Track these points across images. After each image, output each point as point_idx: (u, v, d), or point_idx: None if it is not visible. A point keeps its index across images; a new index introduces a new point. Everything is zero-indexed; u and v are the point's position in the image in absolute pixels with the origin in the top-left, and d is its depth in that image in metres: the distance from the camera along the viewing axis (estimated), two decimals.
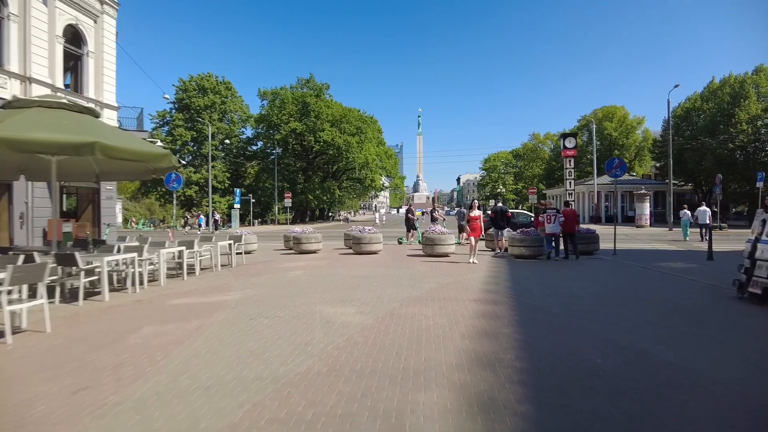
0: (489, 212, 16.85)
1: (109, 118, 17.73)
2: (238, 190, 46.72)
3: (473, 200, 13.39)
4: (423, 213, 46.84)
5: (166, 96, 31.24)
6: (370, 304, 6.52)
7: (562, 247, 13.49)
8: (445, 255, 13.52)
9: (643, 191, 35.28)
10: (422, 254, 14.05)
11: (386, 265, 11.60)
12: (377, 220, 49.78)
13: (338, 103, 57.49)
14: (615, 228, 14.90)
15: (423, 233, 15.03)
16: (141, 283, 8.48)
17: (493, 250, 14.63)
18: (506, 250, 14.30)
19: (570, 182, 39.77)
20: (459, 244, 16.39)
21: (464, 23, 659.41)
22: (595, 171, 44.80)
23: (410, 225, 19.12)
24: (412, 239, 19.17)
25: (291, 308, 6.38)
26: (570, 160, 39.69)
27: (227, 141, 52.16)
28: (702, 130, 38.87)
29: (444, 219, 20.74)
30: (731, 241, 20.87)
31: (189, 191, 52.13)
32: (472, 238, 12.01)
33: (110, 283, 8.64)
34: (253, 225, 52.22)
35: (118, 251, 9.14)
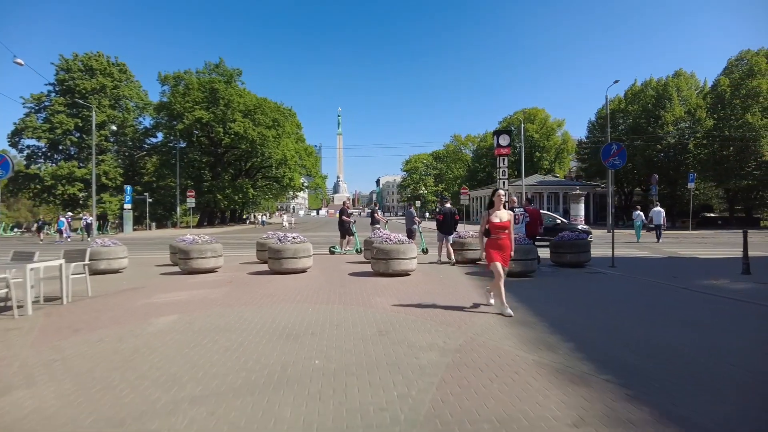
0: (436, 215, 13.73)
1: None
2: (129, 188, 39.08)
3: (496, 190, 6.09)
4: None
5: (19, 60, 23.73)
6: None
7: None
8: (406, 273, 9.50)
9: (578, 191, 34.15)
10: (370, 272, 9.91)
11: (325, 298, 7.24)
12: (284, 223, 44.77)
13: (252, 93, 51.35)
14: (613, 231, 11.85)
15: (372, 242, 10.94)
16: None
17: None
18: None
19: (503, 182, 38.09)
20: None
21: (385, 22, 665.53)
22: (523, 171, 43.81)
23: (345, 230, 14.85)
24: (348, 248, 14.93)
25: None
26: (503, 159, 37.86)
27: (114, 127, 43.92)
28: (628, 131, 39.10)
29: (386, 221, 16.75)
30: (693, 244, 19.33)
31: (72, 189, 43.31)
32: (498, 266, 5.87)
33: None
34: (150, 229, 44.64)
35: None
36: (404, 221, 15.54)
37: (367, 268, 10.49)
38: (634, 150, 37.32)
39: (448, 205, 12.94)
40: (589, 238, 16.06)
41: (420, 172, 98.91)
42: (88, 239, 27.33)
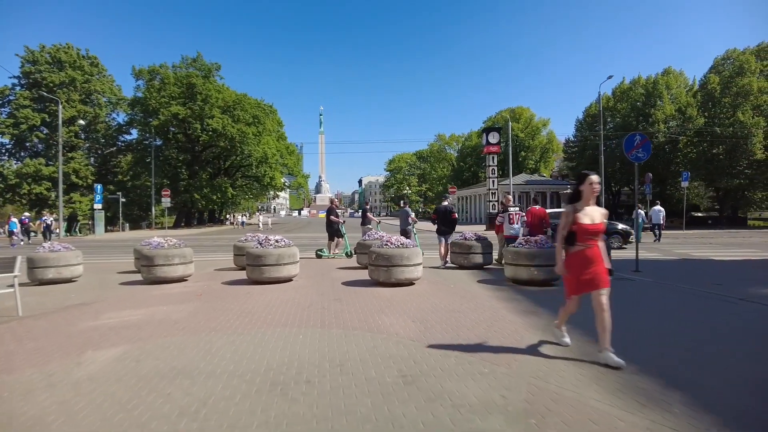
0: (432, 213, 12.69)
1: None
2: (99, 187, 36.78)
3: (587, 175, 3.86)
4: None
5: None
6: None
7: None
8: (410, 283, 8.12)
9: (569, 190, 33.38)
10: (367, 280, 8.52)
11: (318, 318, 5.79)
12: (260, 225, 43.05)
13: (231, 89, 49.23)
14: (636, 232, 10.70)
15: (367, 245, 9.53)
16: None
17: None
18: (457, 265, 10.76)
19: (493, 180, 37.06)
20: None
21: (372, 22, 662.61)
22: (510, 170, 42.97)
23: (334, 231, 13.40)
24: (337, 251, 13.48)
25: None
26: (493, 157, 36.94)
27: (82, 122, 41.53)
28: (617, 129, 38.56)
29: (379, 221, 15.34)
30: (697, 244, 18.44)
31: (39, 188, 40.58)
32: (577, 299, 4.15)
33: None
34: (123, 230, 42.28)
35: None
36: (396, 221, 14.22)
37: (362, 275, 9.10)
38: (623, 148, 36.81)
39: (445, 203, 11.88)
40: (631, 239, 15.04)
41: (404, 171, 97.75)
42: (46, 243, 25.11)
